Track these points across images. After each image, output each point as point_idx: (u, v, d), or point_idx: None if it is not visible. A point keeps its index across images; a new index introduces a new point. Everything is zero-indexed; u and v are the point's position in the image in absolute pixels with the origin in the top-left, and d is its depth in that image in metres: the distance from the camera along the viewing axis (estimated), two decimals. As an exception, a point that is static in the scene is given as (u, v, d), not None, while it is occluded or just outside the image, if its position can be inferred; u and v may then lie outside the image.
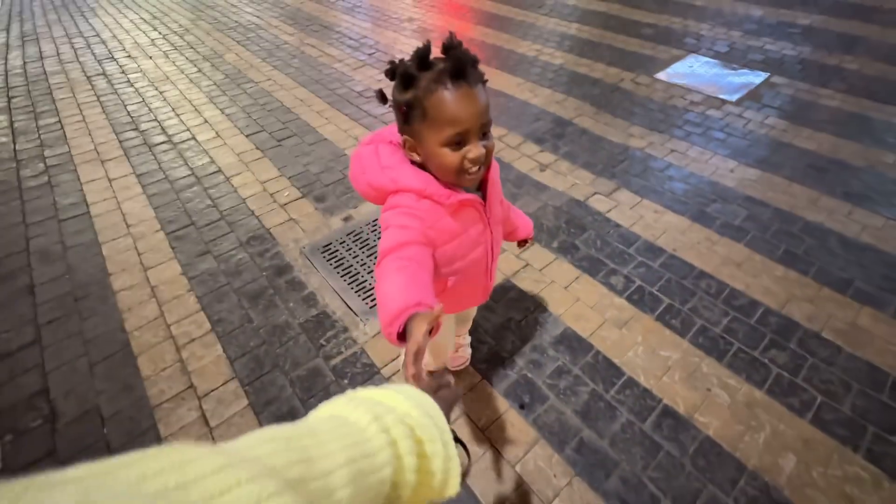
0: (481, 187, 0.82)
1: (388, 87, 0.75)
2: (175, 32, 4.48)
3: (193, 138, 2.77)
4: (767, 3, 4.49)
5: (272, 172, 2.46)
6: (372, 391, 0.40)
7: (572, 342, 1.57)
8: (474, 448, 1.31)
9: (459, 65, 0.65)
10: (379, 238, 1.01)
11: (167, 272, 1.88)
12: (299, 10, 4.98)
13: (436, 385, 0.46)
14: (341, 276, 1.82)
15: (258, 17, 4.84)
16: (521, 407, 1.40)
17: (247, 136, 2.78)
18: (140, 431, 1.37)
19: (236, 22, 4.71)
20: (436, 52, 0.70)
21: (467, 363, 1.50)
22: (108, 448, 1.33)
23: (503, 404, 1.41)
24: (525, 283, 1.79)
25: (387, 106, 0.74)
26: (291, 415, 1.41)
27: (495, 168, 0.83)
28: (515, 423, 1.36)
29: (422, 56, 0.67)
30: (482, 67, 0.70)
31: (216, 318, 1.69)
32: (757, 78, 3.22)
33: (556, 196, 2.23)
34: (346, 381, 1.48)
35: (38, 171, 2.49)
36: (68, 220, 2.16)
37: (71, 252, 1.98)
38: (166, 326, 1.66)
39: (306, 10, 4.95)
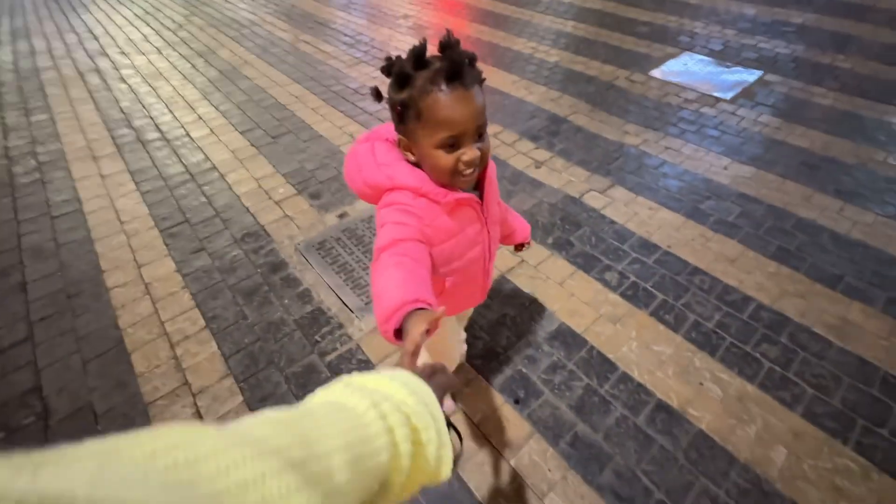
0: (478, 186, 0.81)
1: (385, 83, 0.74)
2: (168, 28, 4.45)
3: (187, 135, 2.75)
4: (761, 2, 4.52)
5: (267, 169, 2.45)
6: (367, 377, 0.41)
7: (567, 338, 1.58)
8: (470, 443, 1.32)
9: (455, 66, 0.64)
10: (374, 234, 1.00)
11: (161, 269, 1.87)
12: (294, 6, 4.95)
13: (430, 371, 0.46)
14: (336, 273, 1.82)
15: (253, 13, 4.81)
16: (516, 402, 1.41)
17: (241, 132, 2.77)
18: (134, 428, 1.36)
19: (231, 18, 4.68)
20: (433, 50, 0.68)
21: (463, 359, 1.50)
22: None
23: (498, 399, 1.42)
24: (520, 280, 1.79)
25: (382, 104, 0.73)
26: (287, 411, 1.41)
27: (492, 167, 0.82)
28: (510, 417, 1.37)
29: (417, 55, 0.65)
30: (479, 66, 0.69)
31: (210, 314, 1.69)
32: (751, 76, 3.24)
33: (551, 193, 2.24)
34: (341, 377, 1.48)
35: (30, 168, 2.47)
36: (61, 216, 2.14)
37: (64, 249, 1.97)
38: (160, 323, 1.66)
39: (301, 7, 4.92)
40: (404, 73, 0.66)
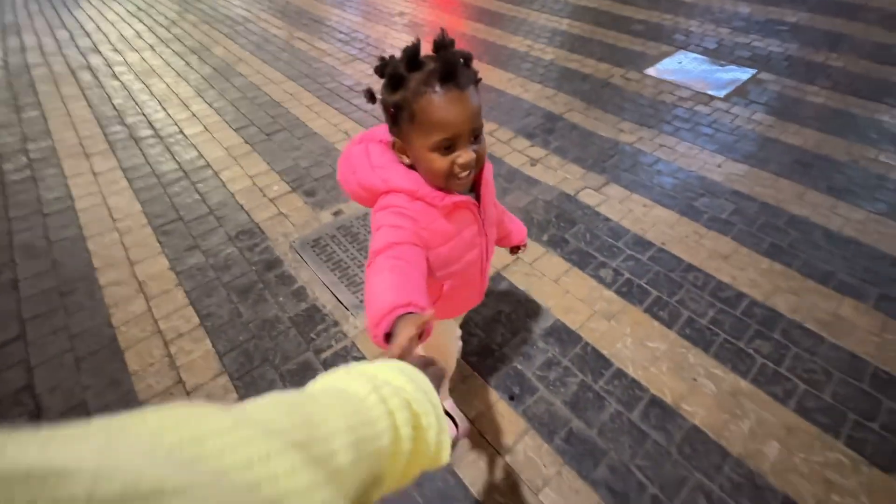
0: (475, 188, 0.80)
1: (379, 83, 0.72)
2: (161, 25, 4.41)
3: (181, 132, 2.73)
4: (755, 1, 4.54)
5: (261, 167, 2.43)
6: (367, 365, 0.41)
7: (562, 334, 1.59)
8: (465, 439, 1.32)
9: (449, 67, 0.62)
10: (369, 231, 0.99)
11: (155, 267, 1.86)
12: (289, 3, 4.93)
13: (423, 362, 0.47)
14: (331, 270, 1.82)
15: (247, 9, 4.78)
16: (511, 398, 1.41)
17: (235, 129, 2.75)
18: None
19: (224, 15, 4.65)
20: (428, 48, 0.66)
21: (459, 355, 1.50)
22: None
23: (493, 396, 1.42)
24: (515, 277, 1.80)
25: (376, 105, 0.71)
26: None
27: (488, 168, 0.80)
28: (505, 414, 1.37)
29: (411, 55, 0.64)
30: (474, 64, 0.68)
31: (205, 312, 1.68)
32: (744, 74, 3.25)
33: (546, 190, 2.24)
34: (336, 375, 1.48)
35: (21, 166, 2.44)
36: (53, 214, 2.12)
37: (56, 247, 1.95)
38: (154, 321, 1.65)
39: (296, 4, 4.89)
40: (398, 74, 0.64)
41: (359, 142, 0.79)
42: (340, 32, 4.13)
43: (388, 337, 0.54)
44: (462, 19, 4.36)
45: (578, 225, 2.03)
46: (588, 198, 2.19)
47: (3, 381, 1.47)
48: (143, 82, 3.32)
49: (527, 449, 1.29)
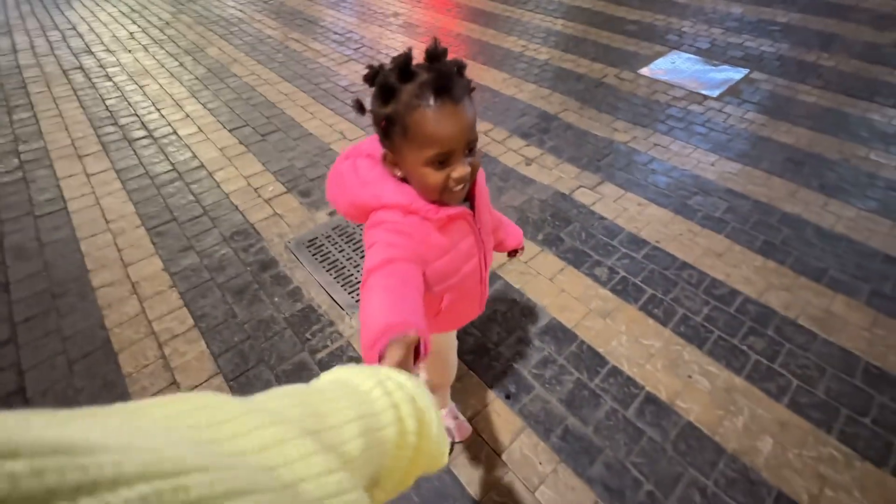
0: (469, 197, 0.78)
1: (368, 91, 0.68)
2: (155, 26, 4.39)
3: (175, 133, 2.72)
4: (748, 1, 4.57)
5: (256, 167, 2.43)
6: (367, 367, 0.42)
7: (557, 332, 1.59)
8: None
9: (444, 80, 0.60)
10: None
11: (148, 268, 1.84)
12: (283, 3, 4.91)
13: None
14: (327, 271, 1.81)
15: (241, 10, 4.76)
16: (507, 397, 1.41)
17: (230, 130, 2.74)
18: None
19: (218, 16, 4.63)
20: (420, 53, 0.64)
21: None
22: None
23: (489, 394, 1.42)
24: (511, 275, 1.80)
25: (365, 116, 0.68)
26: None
27: (481, 175, 0.78)
28: (501, 412, 1.38)
29: (402, 66, 0.61)
30: (469, 64, 0.67)
31: (199, 313, 1.67)
32: (737, 74, 3.28)
33: (541, 189, 2.25)
34: (332, 375, 1.48)
35: (13, 167, 2.42)
36: (45, 216, 2.10)
37: (48, 248, 1.93)
38: (148, 323, 1.64)
39: (290, 4, 4.88)
40: (389, 85, 0.62)
41: (346, 157, 0.76)
42: (335, 33, 4.12)
43: (382, 360, 0.53)
44: (457, 20, 4.36)
45: (573, 224, 2.04)
46: (583, 197, 2.20)
47: (-6, 384, 1.46)
48: (136, 83, 3.30)
49: (523, 447, 1.29)
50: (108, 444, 0.16)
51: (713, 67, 3.38)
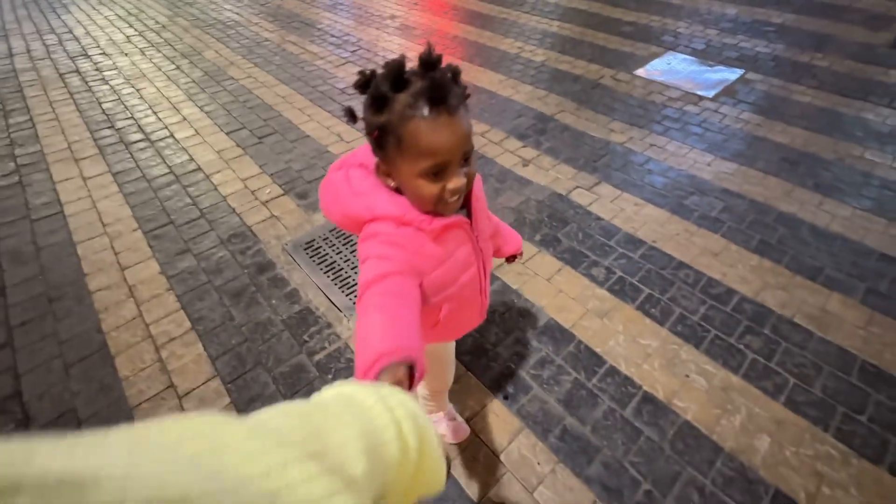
0: (465, 205, 0.76)
1: (360, 98, 0.66)
2: (152, 29, 4.39)
3: (172, 136, 2.71)
4: (742, 2, 4.60)
5: (253, 170, 2.43)
6: (369, 383, 0.43)
7: (555, 333, 1.59)
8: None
9: (439, 89, 0.58)
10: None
11: (145, 271, 1.84)
12: (280, 6, 4.92)
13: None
14: (324, 273, 1.81)
15: (238, 13, 4.76)
16: (506, 398, 1.41)
17: (227, 133, 2.74)
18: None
19: (215, 19, 4.63)
20: (414, 58, 0.62)
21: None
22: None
23: (487, 395, 1.42)
24: (508, 276, 1.80)
25: (358, 123, 0.65)
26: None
27: (478, 182, 0.76)
28: (500, 413, 1.38)
29: (395, 73, 0.59)
30: (466, 66, 0.66)
31: (196, 316, 1.67)
32: (732, 74, 3.30)
33: (538, 190, 2.25)
34: (329, 377, 1.48)
35: (9, 171, 2.41)
36: (41, 219, 2.10)
37: (44, 252, 1.93)
38: (145, 326, 1.63)
39: (287, 7, 4.89)
40: (381, 94, 0.59)
41: (338, 168, 0.75)
42: (332, 36, 4.13)
43: None
44: (453, 22, 4.38)
45: (570, 224, 2.05)
46: (580, 197, 2.20)
47: (-10, 388, 1.45)
48: (133, 87, 3.30)
49: (521, 447, 1.29)
50: (113, 473, 0.16)
51: (709, 68, 3.39)
